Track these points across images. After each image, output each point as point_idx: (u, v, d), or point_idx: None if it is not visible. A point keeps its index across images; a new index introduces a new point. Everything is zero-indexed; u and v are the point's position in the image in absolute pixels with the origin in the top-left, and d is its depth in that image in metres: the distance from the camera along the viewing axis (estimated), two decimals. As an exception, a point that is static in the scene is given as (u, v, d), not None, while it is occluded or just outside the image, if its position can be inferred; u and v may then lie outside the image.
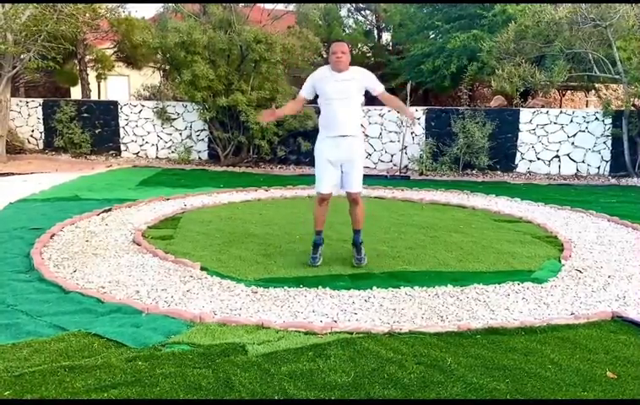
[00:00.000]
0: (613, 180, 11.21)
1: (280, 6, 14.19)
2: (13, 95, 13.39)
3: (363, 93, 4.90)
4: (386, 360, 3.07)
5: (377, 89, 4.91)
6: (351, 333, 3.43)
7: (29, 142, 13.98)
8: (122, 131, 13.65)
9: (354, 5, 19.82)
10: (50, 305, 3.84)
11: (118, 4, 14.58)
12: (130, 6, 28.95)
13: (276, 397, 2.69)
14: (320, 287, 4.31)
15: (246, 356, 3.10)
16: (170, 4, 14.20)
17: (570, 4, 10.92)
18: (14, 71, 12.43)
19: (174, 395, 2.69)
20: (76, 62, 16.16)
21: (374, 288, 4.31)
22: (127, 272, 4.66)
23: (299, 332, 3.45)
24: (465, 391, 2.79)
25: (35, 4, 11.67)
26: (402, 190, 9.40)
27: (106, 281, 4.42)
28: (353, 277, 4.67)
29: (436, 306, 3.97)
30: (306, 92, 4.97)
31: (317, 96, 4.98)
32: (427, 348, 3.23)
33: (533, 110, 12.24)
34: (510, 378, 2.91)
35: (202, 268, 4.75)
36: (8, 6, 11.56)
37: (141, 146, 13.62)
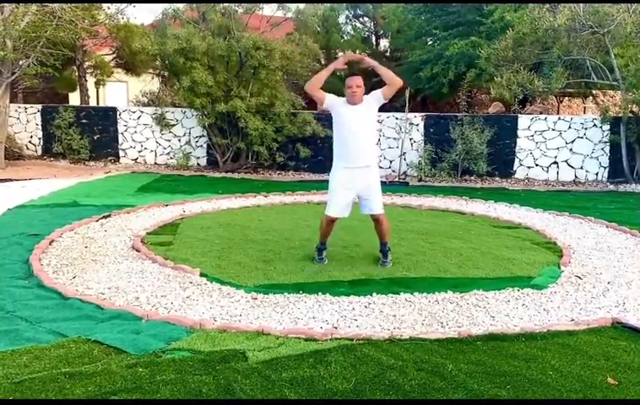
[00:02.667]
0: (611, 187, 11.24)
1: (279, 13, 14.20)
2: (11, 101, 13.40)
3: (376, 114, 5.10)
4: (387, 367, 3.07)
5: (383, 95, 4.99)
6: (352, 340, 3.43)
7: (27, 148, 13.99)
8: (120, 137, 13.65)
9: (352, 12, 19.89)
10: (49, 312, 3.83)
11: (117, 11, 14.59)
12: (129, 12, 29.13)
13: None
14: (320, 293, 4.30)
15: (246, 362, 3.09)
16: (169, 11, 14.21)
17: (568, 11, 10.95)
18: (13, 77, 12.44)
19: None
20: (75, 68, 16.19)
21: (374, 294, 4.31)
22: (126, 278, 4.65)
23: (299, 338, 3.44)
24: (466, 397, 2.78)
25: (33, 11, 11.68)
26: (401, 196, 9.41)
27: (106, 287, 4.41)
28: (353, 283, 4.66)
29: (437, 312, 3.97)
30: (327, 97, 5.03)
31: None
32: (428, 355, 3.22)
33: (531, 116, 12.29)
34: (511, 384, 2.91)
35: (201, 274, 4.75)
36: (7, 12, 11.57)
37: (140, 152, 13.63)
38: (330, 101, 5.04)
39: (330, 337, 3.45)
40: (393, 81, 4.95)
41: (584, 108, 18.84)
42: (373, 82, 5.22)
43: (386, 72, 5.04)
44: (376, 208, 5.10)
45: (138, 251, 5.46)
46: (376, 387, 2.85)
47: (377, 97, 5.00)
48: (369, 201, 5.08)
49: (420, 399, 2.77)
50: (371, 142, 5.07)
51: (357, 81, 4.90)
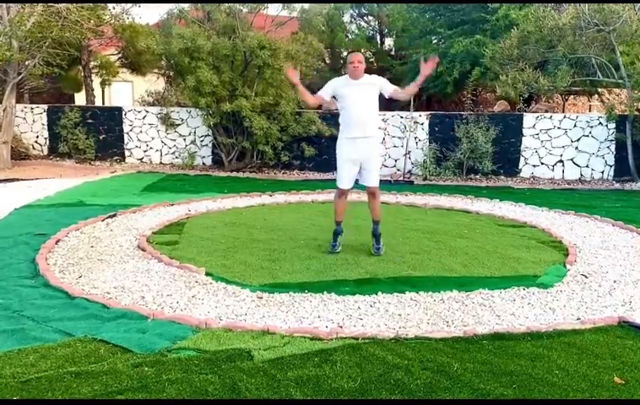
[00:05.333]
0: (617, 185, 11.19)
1: (284, 12, 14.21)
2: (17, 102, 13.45)
3: (378, 95, 5.35)
4: (392, 366, 3.06)
5: (388, 89, 5.39)
6: (357, 339, 3.43)
7: (33, 148, 14.04)
8: (126, 136, 13.69)
9: (356, 11, 19.86)
10: (56, 311, 3.85)
11: (122, 11, 14.63)
12: (134, 12, 29.18)
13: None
14: (325, 292, 4.31)
15: (252, 362, 3.10)
16: (174, 11, 14.24)
17: (573, 9, 10.91)
18: (19, 77, 12.48)
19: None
20: (80, 68, 16.24)
21: (379, 293, 4.31)
22: (132, 277, 4.67)
23: (305, 337, 3.45)
24: (472, 396, 2.78)
25: (39, 11, 11.72)
26: (406, 195, 9.40)
27: (112, 286, 4.43)
28: (358, 282, 4.66)
29: (442, 311, 3.97)
30: (324, 92, 5.41)
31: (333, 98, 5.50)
32: (433, 354, 3.22)
33: (536, 114, 12.24)
34: (517, 384, 2.90)
35: (207, 274, 4.76)
36: (13, 13, 11.63)
37: (145, 152, 13.66)
38: (329, 90, 5.39)
39: (335, 337, 3.45)
40: (406, 96, 5.64)
41: (590, 106, 18.76)
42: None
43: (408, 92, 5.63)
44: (373, 181, 5.41)
45: (143, 250, 5.47)
46: (382, 386, 2.85)
47: (382, 85, 5.36)
48: (368, 172, 5.39)
49: (425, 399, 2.77)
50: (372, 114, 5.33)
51: (359, 57, 5.29)
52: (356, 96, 5.22)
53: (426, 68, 5.20)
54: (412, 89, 5.55)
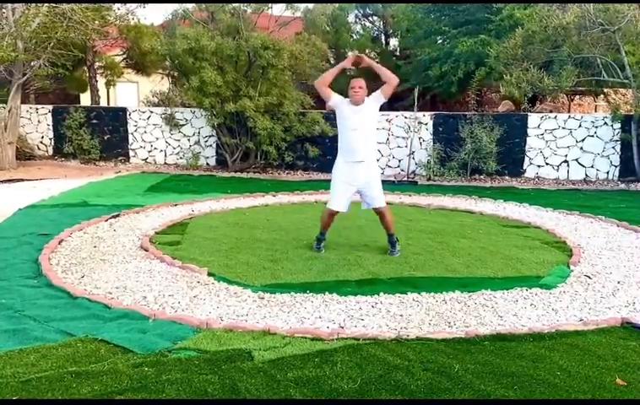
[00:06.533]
0: (622, 185, 11.14)
1: (288, 12, 14.21)
2: (23, 102, 13.52)
3: (378, 111, 5.45)
4: (393, 367, 3.05)
5: (381, 93, 5.34)
6: (358, 339, 3.42)
7: (38, 148, 14.10)
8: (130, 137, 13.72)
9: (361, 11, 19.84)
10: (58, 311, 3.85)
11: (127, 11, 14.68)
12: (139, 13, 29.25)
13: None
14: (327, 293, 4.30)
15: (252, 362, 3.09)
16: (178, 11, 14.27)
17: (578, 9, 10.86)
18: (24, 78, 12.53)
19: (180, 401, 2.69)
20: (85, 68, 16.29)
21: (381, 293, 4.30)
22: (134, 277, 4.67)
23: (305, 338, 3.44)
24: (473, 397, 2.77)
25: (44, 12, 11.76)
26: (409, 195, 9.38)
27: (114, 287, 4.43)
28: (360, 283, 4.65)
29: (444, 312, 3.95)
30: (333, 96, 5.42)
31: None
32: (434, 355, 3.21)
33: (541, 115, 12.19)
34: (518, 385, 2.88)
35: (209, 274, 4.75)
36: (18, 14, 11.67)
37: (149, 152, 13.69)
38: (336, 100, 5.42)
39: (336, 337, 3.44)
40: (390, 78, 5.33)
41: (596, 106, 18.69)
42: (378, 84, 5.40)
43: (383, 72, 5.42)
44: (378, 202, 5.45)
45: (146, 250, 5.48)
46: (382, 387, 2.84)
47: (377, 97, 5.35)
48: (370, 197, 5.45)
49: (425, 399, 2.75)
50: (370, 139, 5.40)
51: (360, 83, 5.29)
52: (356, 122, 5.27)
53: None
54: (379, 69, 5.49)
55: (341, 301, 4.14)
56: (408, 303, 4.13)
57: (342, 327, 3.66)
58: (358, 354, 3.20)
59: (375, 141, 5.50)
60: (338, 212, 5.49)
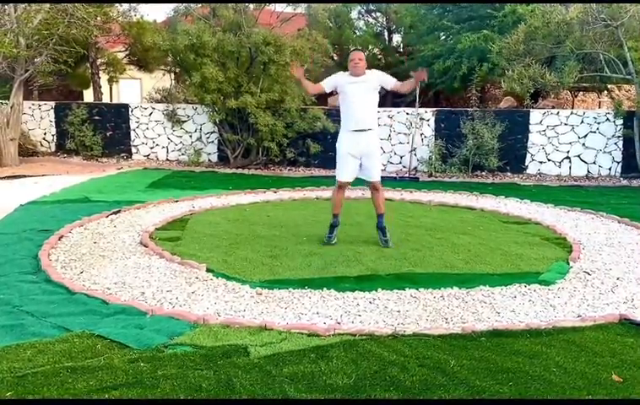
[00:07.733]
0: (624, 182, 11.09)
1: (290, 8, 14.19)
2: (26, 99, 13.53)
3: (378, 90, 5.62)
4: (388, 362, 3.05)
5: (390, 82, 5.61)
6: (354, 335, 3.42)
7: (41, 144, 14.13)
8: (132, 133, 13.74)
9: (364, 8, 19.78)
10: (55, 306, 3.87)
11: (129, 8, 14.68)
12: (142, 9, 29.24)
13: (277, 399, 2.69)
14: (325, 288, 4.30)
15: (247, 358, 3.10)
16: (181, 8, 14.27)
17: (581, 5, 10.81)
18: (27, 74, 12.54)
19: (174, 396, 2.69)
20: (88, 65, 16.29)
21: (379, 289, 4.29)
22: (133, 273, 4.68)
23: (302, 333, 3.44)
24: (467, 394, 2.76)
25: (46, 9, 11.77)
26: (411, 191, 9.37)
27: (112, 282, 4.45)
28: (358, 278, 4.65)
29: (441, 308, 3.95)
30: (326, 84, 5.64)
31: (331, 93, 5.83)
32: (430, 351, 3.20)
33: (543, 111, 12.15)
34: (513, 381, 2.88)
35: (208, 270, 4.76)
36: (20, 10, 11.68)
37: (151, 148, 13.70)
38: (331, 82, 5.61)
39: (333, 333, 3.44)
40: (403, 87, 5.72)
41: (599, 103, 18.60)
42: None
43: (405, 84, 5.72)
44: (375, 176, 5.61)
45: (145, 246, 5.49)
46: (377, 383, 2.84)
47: (382, 79, 5.60)
48: (369, 168, 5.57)
49: (419, 399, 2.75)
50: (371, 109, 5.54)
51: (359, 55, 5.55)
52: (357, 92, 5.43)
53: (419, 76, 5.47)
54: (408, 85, 5.76)
55: (339, 297, 4.14)
56: (405, 299, 4.12)
57: (339, 323, 3.66)
58: (354, 350, 3.20)
59: (376, 113, 5.62)
60: (346, 184, 5.68)
